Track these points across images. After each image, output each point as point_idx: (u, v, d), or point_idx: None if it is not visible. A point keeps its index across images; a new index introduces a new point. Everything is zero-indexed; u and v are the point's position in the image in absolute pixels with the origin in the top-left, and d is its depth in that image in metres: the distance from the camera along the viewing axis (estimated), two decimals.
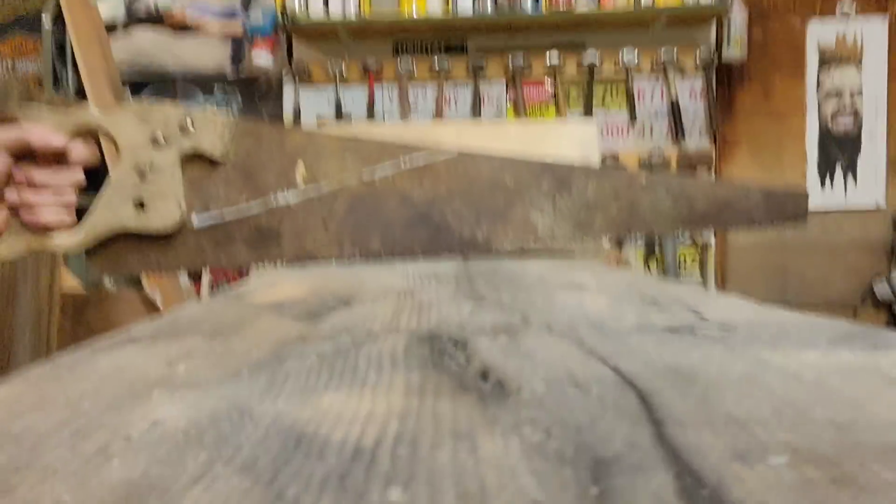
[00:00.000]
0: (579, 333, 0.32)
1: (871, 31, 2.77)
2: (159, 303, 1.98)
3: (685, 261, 2.79)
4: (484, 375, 0.25)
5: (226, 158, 0.72)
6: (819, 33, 2.80)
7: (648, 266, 2.80)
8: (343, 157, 0.74)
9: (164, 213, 0.70)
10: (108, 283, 2.43)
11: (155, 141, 0.70)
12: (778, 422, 0.19)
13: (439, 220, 0.74)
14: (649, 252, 2.78)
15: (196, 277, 2.86)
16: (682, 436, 0.18)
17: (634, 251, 2.81)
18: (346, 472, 0.16)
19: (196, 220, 0.72)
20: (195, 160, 0.72)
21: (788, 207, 0.72)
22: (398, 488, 0.15)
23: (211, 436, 0.19)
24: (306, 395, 0.23)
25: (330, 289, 0.53)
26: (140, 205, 0.70)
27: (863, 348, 0.28)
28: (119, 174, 0.70)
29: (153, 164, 0.70)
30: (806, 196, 0.72)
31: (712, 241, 2.76)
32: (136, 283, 2.05)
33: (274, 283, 0.60)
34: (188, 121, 0.70)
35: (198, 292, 2.70)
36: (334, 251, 0.74)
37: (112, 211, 0.69)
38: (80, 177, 0.72)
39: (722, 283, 2.80)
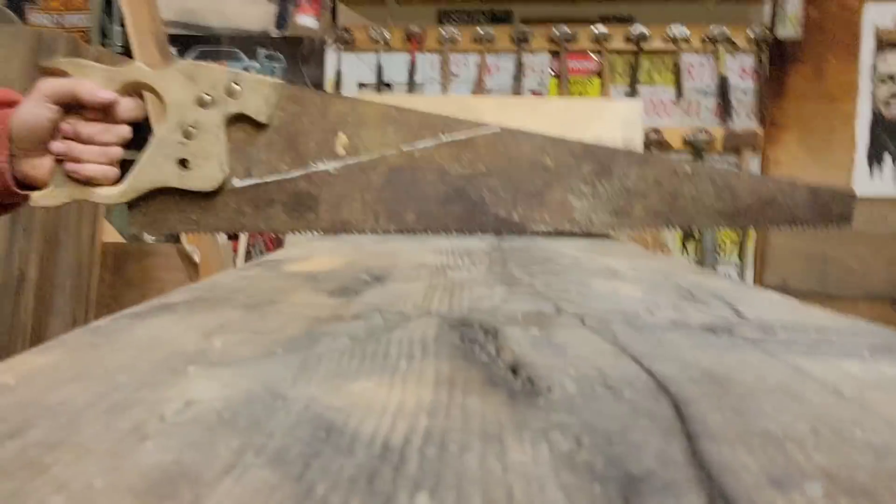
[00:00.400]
0: (613, 328, 0.32)
1: None
2: (197, 259, 2.02)
3: (725, 244, 2.75)
4: (514, 370, 0.25)
5: (270, 122, 0.72)
6: (875, 16, 2.69)
7: (686, 249, 2.76)
8: (384, 127, 0.73)
9: (206, 173, 0.71)
10: (147, 237, 2.48)
11: (201, 101, 0.70)
12: (814, 442, 0.18)
13: (476, 196, 0.74)
14: (687, 235, 2.74)
15: (234, 236, 2.90)
16: (717, 452, 0.17)
17: (673, 233, 2.77)
18: (375, 471, 0.16)
19: (237, 182, 0.73)
20: (240, 122, 0.72)
21: (835, 208, 0.70)
22: (426, 494, 0.15)
23: (244, 420, 0.19)
24: (338, 380, 0.23)
25: (364, 262, 0.53)
26: (183, 163, 0.71)
27: None
28: (164, 131, 0.70)
29: (198, 123, 0.70)
30: (854, 197, 0.70)
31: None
32: (175, 238, 2.09)
33: (310, 253, 0.60)
34: (235, 83, 0.70)
35: (235, 251, 2.74)
36: (370, 222, 0.74)
37: (155, 167, 0.70)
38: (126, 132, 0.73)
39: (760, 269, 2.75)
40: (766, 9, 2.70)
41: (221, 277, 0.48)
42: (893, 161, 2.72)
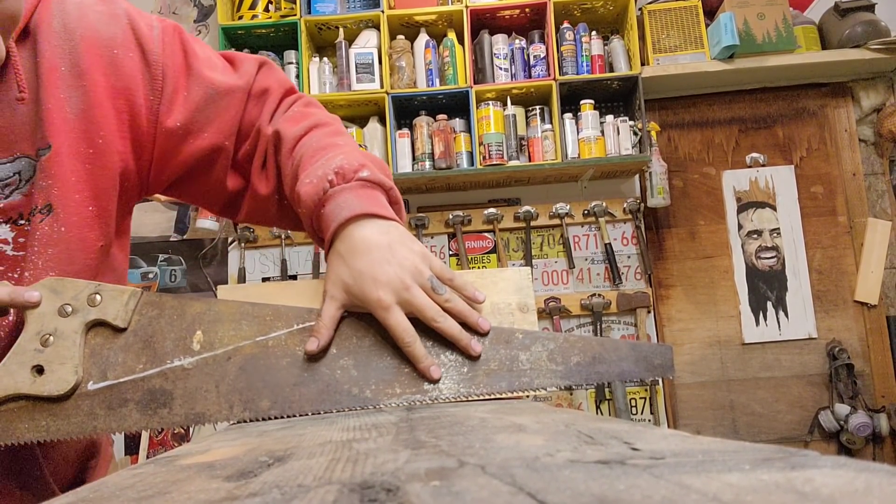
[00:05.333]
0: (512, 472, 0.32)
1: (780, 176, 3.01)
2: None
3: (636, 402, 2.80)
4: None
5: (128, 326, 0.74)
6: (732, 180, 3.02)
7: (600, 409, 2.79)
8: (239, 322, 0.76)
9: (60, 377, 0.71)
10: None
11: (62, 311, 0.72)
12: None
13: (329, 377, 0.75)
14: (600, 395, 2.78)
15: (134, 450, 2.71)
16: None
17: (586, 395, 2.81)
18: None
19: (92, 385, 0.72)
20: (99, 329, 0.74)
21: (656, 359, 0.76)
22: None
23: None
24: None
25: (265, 447, 0.52)
26: (39, 369, 0.71)
27: (781, 469, 0.29)
28: (22, 342, 0.71)
29: (57, 331, 0.72)
30: (670, 348, 0.77)
31: (659, 381, 2.79)
32: None
33: (209, 446, 0.58)
34: (97, 293, 0.74)
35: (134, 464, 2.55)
36: (224, 412, 0.74)
37: (9, 375, 0.70)
38: None
39: (673, 423, 2.80)
40: (636, 182, 2.99)
41: (110, 478, 0.45)
42: (773, 307, 2.93)
